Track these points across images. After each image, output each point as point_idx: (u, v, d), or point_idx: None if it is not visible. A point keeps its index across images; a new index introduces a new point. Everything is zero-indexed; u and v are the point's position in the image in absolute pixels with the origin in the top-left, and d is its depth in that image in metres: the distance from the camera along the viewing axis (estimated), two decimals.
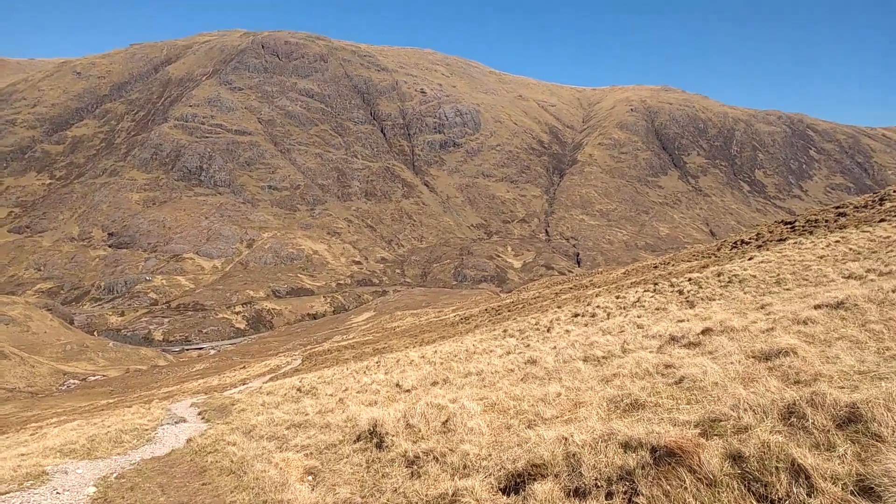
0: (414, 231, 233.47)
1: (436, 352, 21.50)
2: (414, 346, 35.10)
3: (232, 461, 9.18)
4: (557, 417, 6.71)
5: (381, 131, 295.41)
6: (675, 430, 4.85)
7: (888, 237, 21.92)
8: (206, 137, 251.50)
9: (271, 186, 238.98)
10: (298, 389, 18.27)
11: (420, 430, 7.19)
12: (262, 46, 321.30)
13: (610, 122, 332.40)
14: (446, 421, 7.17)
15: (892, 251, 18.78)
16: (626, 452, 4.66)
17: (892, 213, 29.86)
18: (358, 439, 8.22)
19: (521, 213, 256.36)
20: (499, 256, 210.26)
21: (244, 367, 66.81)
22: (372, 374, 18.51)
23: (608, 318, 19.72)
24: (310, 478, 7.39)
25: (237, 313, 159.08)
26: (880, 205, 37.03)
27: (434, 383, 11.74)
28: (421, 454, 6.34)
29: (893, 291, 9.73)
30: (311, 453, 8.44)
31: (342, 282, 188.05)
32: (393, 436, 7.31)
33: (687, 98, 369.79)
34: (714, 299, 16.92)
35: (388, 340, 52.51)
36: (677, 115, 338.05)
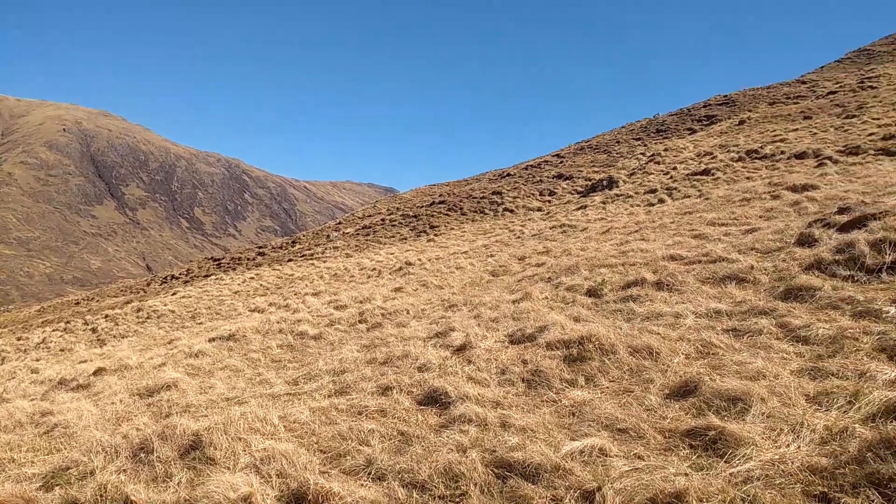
0: None
1: None
2: None
3: None
4: None
5: None
6: (14, 487, 4.23)
7: (292, 274, 25.42)
8: None
9: None
10: None
11: None
12: None
13: (37, 139, 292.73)
14: None
15: (293, 287, 21.78)
16: None
17: (299, 255, 34.90)
18: None
19: None
20: None
21: None
22: None
23: (2, 364, 16.80)
24: None
25: None
26: (292, 246, 42.88)
27: None
28: None
29: (278, 322, 11.16)
30: None
31: None
32: None
33: (128, 127, 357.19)
34: (127, 336, 16.32)
35: None
36: (117, 144, 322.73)
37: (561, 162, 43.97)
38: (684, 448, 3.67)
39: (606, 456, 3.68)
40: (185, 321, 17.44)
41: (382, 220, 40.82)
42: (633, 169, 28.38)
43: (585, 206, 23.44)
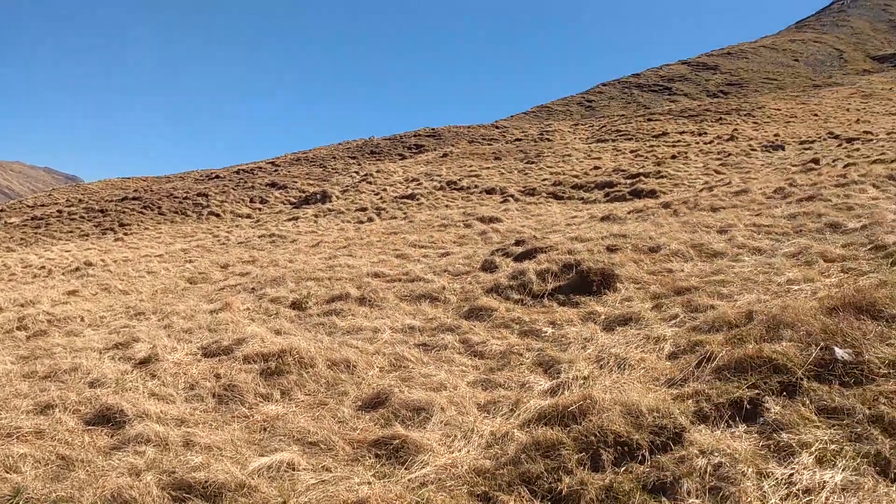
0: None
1: None
2: None
3: None
4: None
5: None
6: None
7: None
8: None
9: None
10: None
11: None
12: None
13: None
14: None
15: None
16: None
17: None
18: None
19: None
20: None
21: None
22: None
23: None
24: None
25: None
26: None
27: None
28: None
29: None
30: None
31: None
32: None
33: None
34: None
35: None
36: None
37: (276, 170, 43.19)
38: (370, 458, 3.81)
39: (295, 470, 3.64)
40: None
41: (60, 211, 35.41)
42: (347, 186, 29.16)
43: (297, 218, 23.35)
